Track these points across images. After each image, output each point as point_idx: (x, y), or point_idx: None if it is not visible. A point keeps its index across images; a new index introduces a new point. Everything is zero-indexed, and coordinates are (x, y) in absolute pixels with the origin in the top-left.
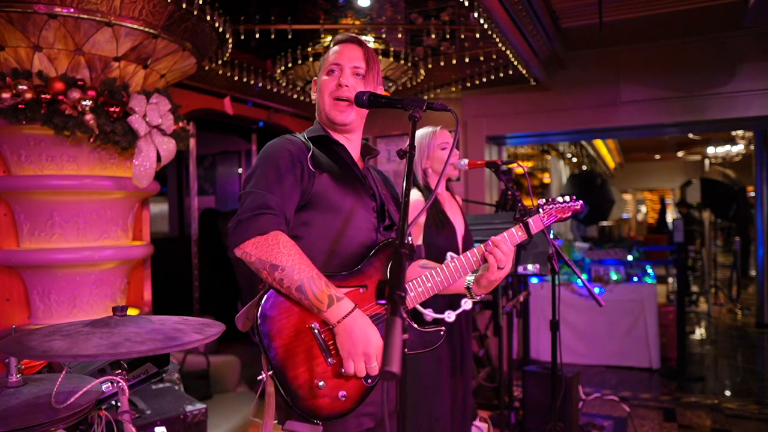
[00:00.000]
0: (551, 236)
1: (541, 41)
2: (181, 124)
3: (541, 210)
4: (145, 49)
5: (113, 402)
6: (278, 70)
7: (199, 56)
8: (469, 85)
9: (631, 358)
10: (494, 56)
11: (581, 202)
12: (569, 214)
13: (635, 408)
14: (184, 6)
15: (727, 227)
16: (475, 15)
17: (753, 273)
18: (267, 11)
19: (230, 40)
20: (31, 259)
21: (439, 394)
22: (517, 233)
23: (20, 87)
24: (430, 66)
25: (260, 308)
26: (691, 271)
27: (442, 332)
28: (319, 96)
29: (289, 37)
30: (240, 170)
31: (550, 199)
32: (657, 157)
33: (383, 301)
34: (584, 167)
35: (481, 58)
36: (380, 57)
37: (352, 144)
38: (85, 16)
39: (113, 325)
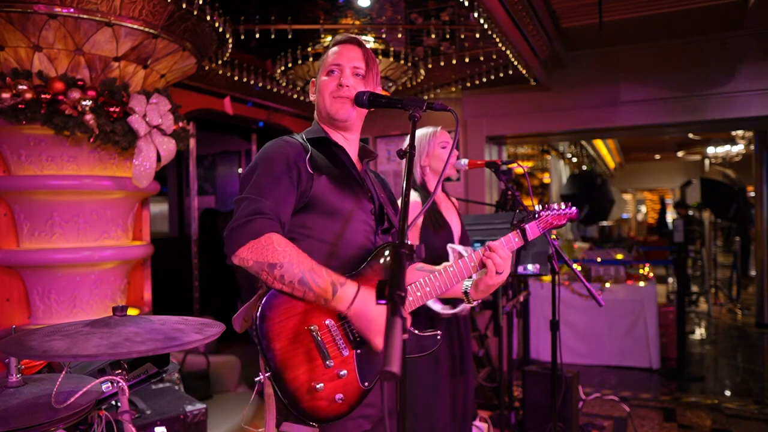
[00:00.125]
0: (551, 236)
1: (541, 41)
2: (181, 124)
3: (537, 217)
4: (145, 49)
5: (113, 402)
6: (278, 70)
7: (199, 56)
8: (469, 85)
9: (631, 358)
10: (494, 56)
11: (575, 209)
12: (564, 221)
13: (635, 408)
14: (184, 6)
15: (727, 227)
16: (475, 15)
17: (753, 273)
18: (267, 11)
19: (230, 40)
20: (31, 259)
21: (438, 395)
22: (514, 239)
23: (20, 87)
24: (430, 66)
25: (259, 309)
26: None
27: (438, 336)
28: (319, 96)
29: (289, 37)
30: (240, 170)
31: (546, 206)
32: (657, 157)
33: (383, 301)
34: (584, 167)
35: (481, 58)
36: (380, 57)
37: (351, 145)
38: (85, 16)
39: (113, 325)
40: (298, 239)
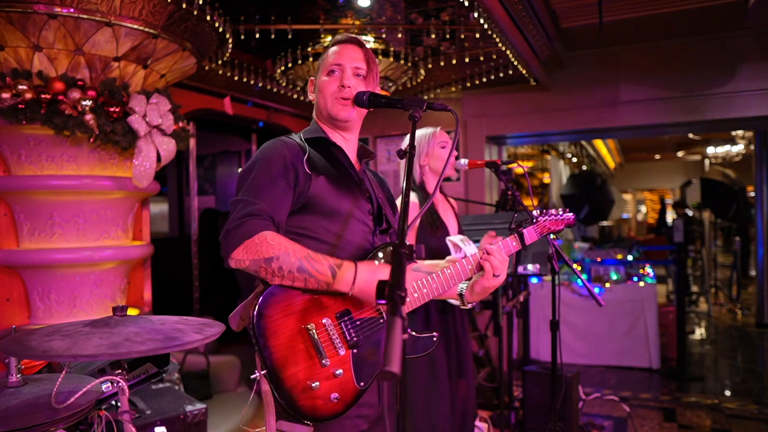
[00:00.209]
0: (551, 236)
1: (541, 41)
2: (181, 124)
3: (535, 222)
4: (145, 49)
5: (113, 402)
6: (278, 70)
7: (199, 56)
8: (469, 85)
9: (631, 358)
10: (494, 56)
11: (572, 215)
12: (562, 227)
13: (635, 408)
14: (184, 6)
15: (727, 227)
16: (475, 15)
17: (753, 273)
18: (267, 11)
19: (230, 40)
20: (31, 259)
21: (437, 395)
22: (511, 243)
23: (20, 87)
24: (430, 66)
25: (257, 307)
26: (690, 271)
27: (435, 338)
28: (320, 96)
29: (289, 37)
30: (240, 170)
31: (544, 211)
32: (657, 157)
33: (383, 301)
34: (584, 167)
35: (481, 58)
36: (380, 57)
37: (349, 144)
38: (85, 16)
39: (113, 325)
40: (296, 238)
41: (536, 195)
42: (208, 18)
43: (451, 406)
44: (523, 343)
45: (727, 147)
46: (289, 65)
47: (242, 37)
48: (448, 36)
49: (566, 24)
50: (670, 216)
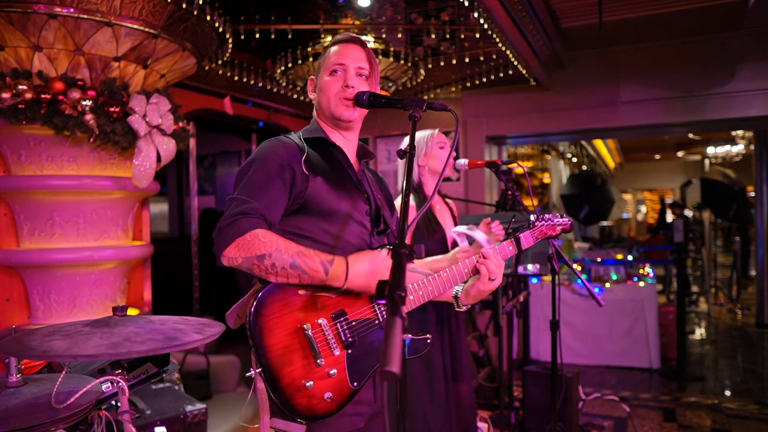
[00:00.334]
0: None
1: (541, 41)
2: (181, 124)
3: (532, 226)
4: (145, 49)
5: (113, 402)
6: (278, 70)
7: (199, 56)
8: (469, 85)
9: (631, 358)
10: (494, 56)
11: (569, 221)
12: (558, 232)
13: (635, 408)
14: (184, 6)
15: (727, 227)
16: (475, 15)
17: (753, 273)
18: (267, 11)
19: (230, 40)
20: (31, 259)
21: (432, 398)
22: (508, 247)
23: (20, 87)
24: (430, 66)
25: (254, 306)
26: (690, 271)
27: (428, 340)
28: (322, 95)
29: (289, 37)
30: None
31: (541, 216)
32: (657, 157)
33: (383, 301)
34: (584, 167)
35: (481, 58)
36: (380, 57)
37: (349, 144)
38: (85, 16)
39: (113, 325)
40: (293, 239)
41: (536, 195)
42: (208, 18)
43: (447, 409)
44: (523, 343)
45: (727, 147)
46: (289, 65)
47: (242, 37)
48: (448, 36)
49: (566, 24)
50: (670, 216)
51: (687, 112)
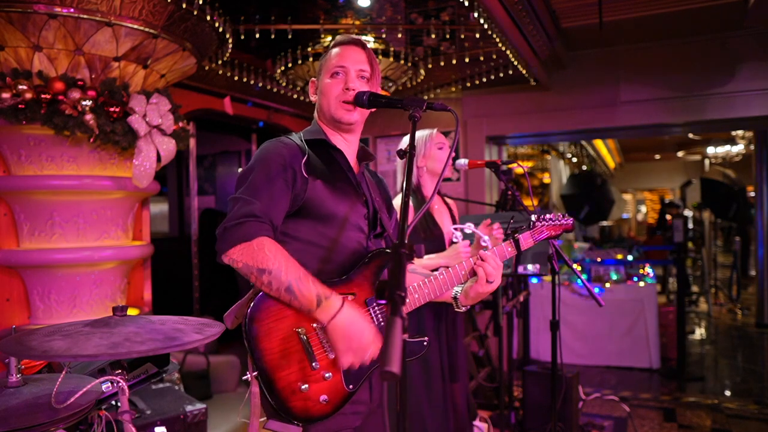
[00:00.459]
0: None
1: (541, 41)
2: (181, 124)
3: (532, 227)
4: (145, 49)
5: (113, 402)
6: (278, 70)
7: (199, 56)
8: (469, 85)
9: (631, 358)
10: (494, 56)
11: (571, 220)
12: (560, 232)
13: (635, 408)
14: (184, 6)
15: (727, 227)
16: (475, 15)
17: (753, 273)
18: (267, 11)
19: (230, 40)
20: (31, 259)
21: (429, 398)
22: (506, 249)
23: (20, 87)
24: (430, 66)
25: (249, 311)
26: (690, 271)
27: (425, 342)
28: (323, 98)
29: (289, 37)
30: (240, 170)
31: (542, 216)
32: (657, 157)
33: (383, 301)
34: (584, 167)
35: (481, 58)
36: (380, 57)
37: (350, 146)
38: (85, 16)
39: (113, 325)
40: (291, 242)
41: (536, 195)
42: (208, 18)
43: (444, 409)
44: (523, 343)
45: (727, 147)
46: (289, 65)
47: (242, 37)
48: (448, 36)
49: (566, 24)
50: (668, 216)
51: (687, 112)
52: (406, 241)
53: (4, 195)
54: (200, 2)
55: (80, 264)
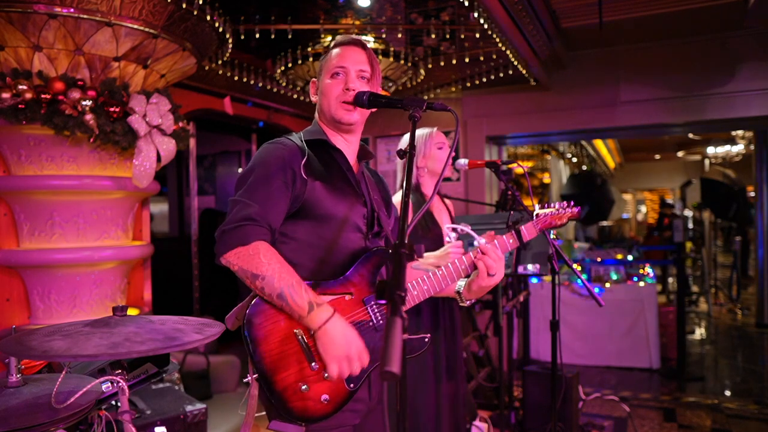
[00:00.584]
0: (551, 236)
1: (541, 41)
2: (181, 124)
3: (535, 217)
4: (145, 49)
5: (113, 402)
6: (278, 70)
7: (199, 56)
8: (469, 85)
9: (631, 358)
10: (494, 56)
11: (578, 208)
12: (565, 221)
13: (635, 408)
14: (184, 6)
15: (727, 227)
16: (475, 15)
17: (753, 273)
18: (267, 11)
19: (230, 40)
20: (31, 259)
21: (423, 396)
22: (508, 241)
23: (20, 87)
24: (430, 66)
25: (247, 315)
26: (690, 271)
27: (426, 339)
28: (323, 98)
29: (289, 37)
30: (240, 170)
31: (545, 206)
32: (657, 157)
33: (383, 301)
34: (584, 167)
35: (481, 58)
36: (380, 57)
37: (350, 147)
38: (85, 16)
39: (113, 325)
40: (289, 242)
41: (536, 195)
42: (208, 18)
43: (437, 408)
44: (523, 343)
45: (727, 147)
46: (289, 65)
47: (242, 37)
48: (448, 36)
49: (566, 24)
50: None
51: (687, 112)
52: (406, 241)
53: (4, 195)
54: (200, 2)
55: (80, 264)
